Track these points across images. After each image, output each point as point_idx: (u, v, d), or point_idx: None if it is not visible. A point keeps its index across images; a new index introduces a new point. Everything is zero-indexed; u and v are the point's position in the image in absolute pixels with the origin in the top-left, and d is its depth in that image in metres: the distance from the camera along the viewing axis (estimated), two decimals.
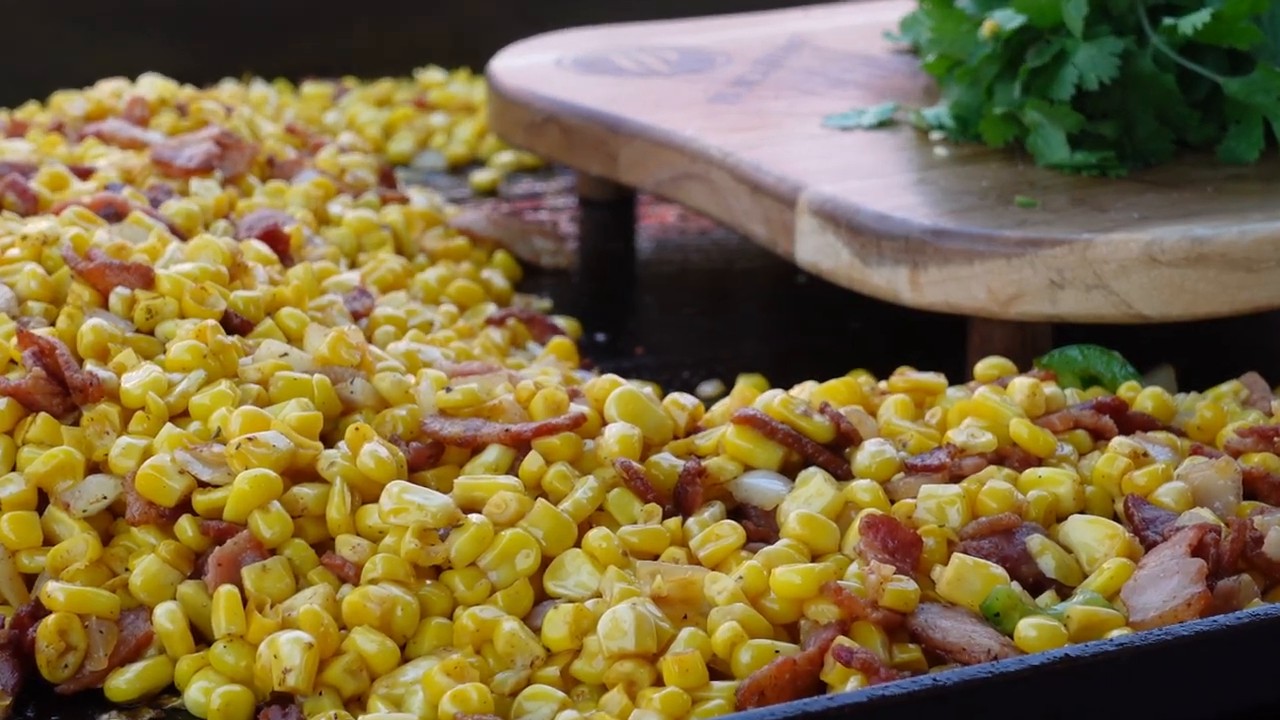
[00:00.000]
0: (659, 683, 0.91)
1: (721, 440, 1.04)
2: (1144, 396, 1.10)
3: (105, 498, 1.01)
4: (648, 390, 1.08)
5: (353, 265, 1.31)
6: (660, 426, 1.05)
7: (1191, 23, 1.22)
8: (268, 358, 1.07)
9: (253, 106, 1.55)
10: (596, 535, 0.98)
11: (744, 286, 1.43)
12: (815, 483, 1.01)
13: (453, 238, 1.41)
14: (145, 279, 1.10)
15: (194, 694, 0.95)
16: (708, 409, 1.09)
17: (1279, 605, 0.88)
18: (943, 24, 1.34)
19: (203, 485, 1.00)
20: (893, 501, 1.00)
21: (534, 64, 1.51)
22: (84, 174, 1.31)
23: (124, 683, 0.96)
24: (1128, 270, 1.15)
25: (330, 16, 1.77)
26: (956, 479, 1.01)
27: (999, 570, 0.94)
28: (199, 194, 1.30)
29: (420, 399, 1.06)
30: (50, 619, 0.96)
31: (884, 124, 1.34)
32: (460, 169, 1.63)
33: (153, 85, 1.49)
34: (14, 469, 1.02)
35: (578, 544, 0.99)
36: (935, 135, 1.32)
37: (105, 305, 1.09)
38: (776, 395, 1.06)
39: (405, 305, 1.24)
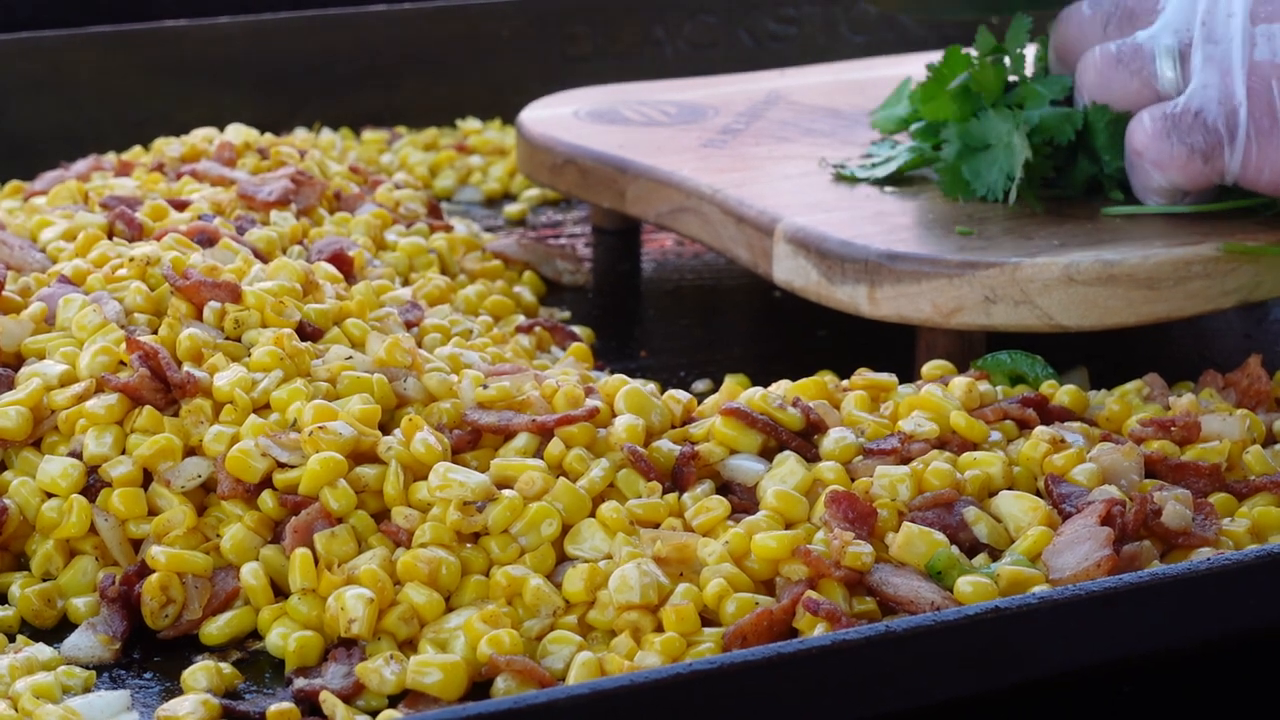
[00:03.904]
0: (660, 629, 0.92)
1: (711, 429, 1.04)
2: (1062, 393, 1.10)
3: (200, 476, 1.01)
4: (650, 387, 1.08)
5: (405, 283, 1.31)
6: (661, 417, 1.05)
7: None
8: (335, 360, 1.07)
9: (321, 150, 1.54)
10: (608, 507, 0.98)
11: (730, 301, 1.43)
12: (789, 464, 1.01)
13: (488, 260, 1.40)
14: (233, 294, 1.10)
15: (274, 638, 0.95)
16: (700, 403, 1.09)
17: (1174, 566, 0.88)
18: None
19: (281, 466, 1.00)
20: (853, 479, 1.00)
21: (555, 115, 1.51)
22: (181, 206, 1.30)
23: (215, 629, 0.96)
24: (1049, 288, 1.15)
25: (385, 75, 1.76)
26: (906, 461, 1.01)
27: (941, 536, 0.94)
28: (278, 223, 1.29)
29: (462, 394, 1.06)
30: (153, 577, 0.96)
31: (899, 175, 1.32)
32: (494, 202, 1.62)
33: (238, 132, 1.49)
34: (124, 452, 1.02)
35: (592, 514, 0.99)
36: None
37: (199, 316, 1.09)
38: (757, 391, 1.06)
39: (449, 316, 1.23)
